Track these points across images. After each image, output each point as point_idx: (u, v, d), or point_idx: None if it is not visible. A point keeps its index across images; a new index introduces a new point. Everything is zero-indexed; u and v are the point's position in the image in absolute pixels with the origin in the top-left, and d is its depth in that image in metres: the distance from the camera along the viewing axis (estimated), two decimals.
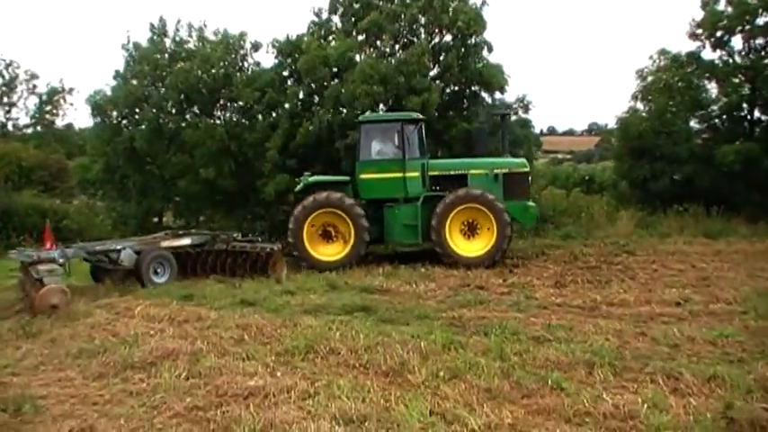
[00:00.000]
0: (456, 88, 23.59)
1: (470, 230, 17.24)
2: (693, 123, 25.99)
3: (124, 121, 25.61)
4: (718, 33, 24.63)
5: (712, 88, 25.57)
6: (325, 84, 22.50)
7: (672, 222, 22.24)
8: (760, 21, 23.92)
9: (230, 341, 9.68)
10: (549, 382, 7.32)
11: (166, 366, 8.37)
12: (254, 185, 23.66)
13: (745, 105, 24.71)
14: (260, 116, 24.81)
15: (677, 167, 24.10)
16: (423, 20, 23.05)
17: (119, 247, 15.44)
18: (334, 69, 22.39)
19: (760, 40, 24.43)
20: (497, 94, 23.86)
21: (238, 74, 25.17)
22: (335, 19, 24.62)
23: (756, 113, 24.88)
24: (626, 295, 12.43)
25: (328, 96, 21.89)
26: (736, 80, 24.69)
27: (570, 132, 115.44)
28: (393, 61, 22.05)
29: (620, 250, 18.55)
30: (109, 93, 25.47)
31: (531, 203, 18.12)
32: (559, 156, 78.17)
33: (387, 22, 22.95)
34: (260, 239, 17.86)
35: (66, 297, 12.73)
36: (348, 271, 16.36)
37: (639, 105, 26.76)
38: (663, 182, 24.23)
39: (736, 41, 24.85)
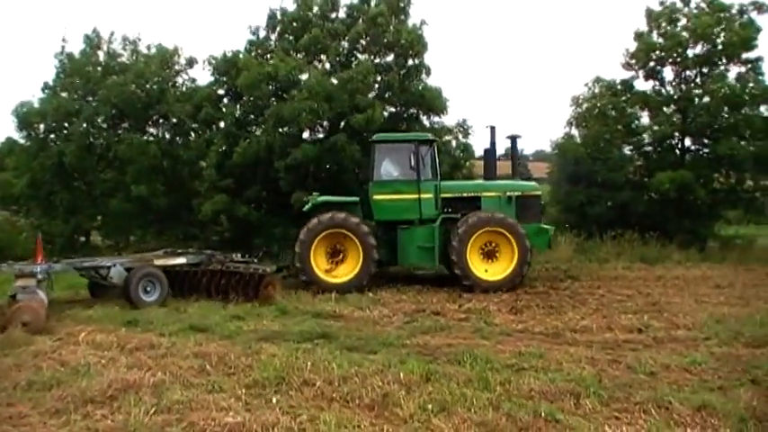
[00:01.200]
0: (394, 109, 23.45)
1: (488, 254, 16.93)
2: (627, 150, 26.49)
3: (52, 135, 24.68)
4: (651, 64, 25.25)
5: (644, 117, 26.18)
6: (265, 102, 22.07)
7: (609, 248, 22.50)
8: (690, 53, 24.60)
9: (191, 371, 9.12)
10: (543, 414, 7.11)
11: (130, 400, 7.79)
12: (188, 204, 23.06)
13: (676, 134, 25.25)
14: (194, 133, 24.28)
15: (613, 194, 24.45)
16: (364, 40, 22.91)
17: (108, 264, 15.05)
18: (272, 87, 22.01)
19: (690, 72, 25.09)
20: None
21: (172, 89, 24.57)
22: (274, 37, 24.32)
23: (687, 142, 25.51)
24: (585, 322, 12.37)
25: (269, 114, 21.46)
26: (668, 110, 25.26)
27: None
28: (336, 80, 21.80)
29: (564, 275, 18.69)
30: (36, 105, 24.54)
31: (546, 226, 18.00)
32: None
33: (328, 39, 22.79)
34: (255, 260, 17.31)
35: (38, 314, 12.23)
36: (295, 295, 15.86)
37: (575, 132, 27.16)
38: (599, 207, 24.59)
39: (668, 72, 25.59)
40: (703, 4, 24.64)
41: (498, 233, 16.71)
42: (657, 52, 24.87)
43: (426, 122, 23.57)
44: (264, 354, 9.91)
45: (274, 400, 7.81)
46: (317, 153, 20.90)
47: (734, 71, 24.51)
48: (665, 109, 25.21)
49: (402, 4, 23.13)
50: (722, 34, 23.88)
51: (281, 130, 21.84)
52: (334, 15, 23.87)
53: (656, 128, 25.23)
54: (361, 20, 22.88)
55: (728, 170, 24.44)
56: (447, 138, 23.60)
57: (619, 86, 26.03)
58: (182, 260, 16.21)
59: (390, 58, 23.06)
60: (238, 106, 23.20)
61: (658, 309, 13.76)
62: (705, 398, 7.56)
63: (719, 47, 24.00)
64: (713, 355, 9.73)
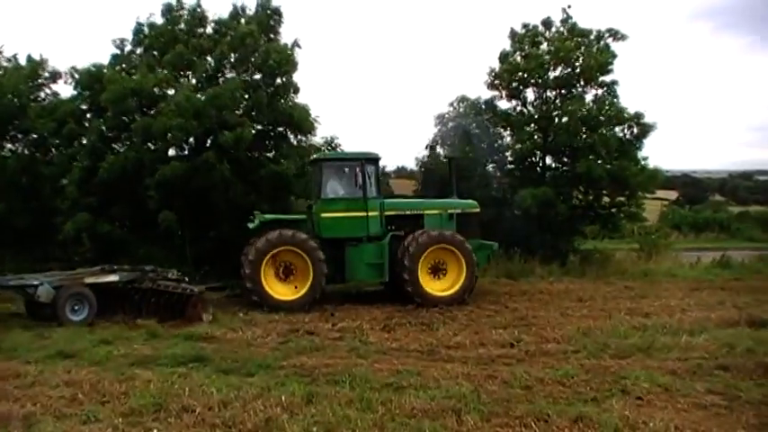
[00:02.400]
0: (260, 127, 23.21)
1: (435, 271, 17.47)
2: (490, 168, 27.29)
3: None
4: (514, 84, 26.04)
5: (507, 136, 27.02)
6: (131, 117, 21.42)
7: None
8: (551, 75, 25.58)
9: (63, 401, 8.76)
10: None
11: None
12: (49, 223, 22.14)
13: (537, 152, 26.18)
14: (56, 149, 23.33)
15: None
16: (232, 57, 22.66)
17: (36, 282, 14.59)
18: (136, 102, 21.37)
19: (551, 93, 26.08)
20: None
21: (33, 104, 23.53)
22: (139, 51, 23.70)
23: (548, 160, 26.48)
24: (458, 338, 12.74)
25: (136, 129, 20.85)
26: (529, 129, 26.13)
27: None
28: (203, 96, 21.42)
29: None
30: None
31: (489, 243, 18.84)
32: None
33: (194, 56, 22.43)
34: (186, 279, 16.96)
35: None
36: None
37: (439, 150, 27.68)
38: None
39: (530, 93, 26.48)
40: (564, 29, 25.74)
41: (446, 250, 17.40)
42: (521, 73, 25.68)
43: (294, 141, 23.53)
44: (139, 380, 9.68)
45: (154, 429, 7.62)
46: (185, 171, 20.42)
47: (591, 93, 25.77)
48: (526, 128, 26.02)
49: (272, 23, 23.12)
50: (581, 58, 24.99)
51: (148, 145, 21.32)
52: (201, 31, 23.51)
53: (518, 146, 26.11)
54: (228, 36, 22.61)
55: (587, 187, 25.50)
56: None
57: (483, 105, 26.77)
58: (114, 278, 15.82)
59: (258, 76, 22.88)
60: (102, 121, 22.40)
61: (526, 323, 14.31)
62: (581, 409, 7.95)
63: (578, 70, 25.10)
64: (583, 368, 10.24)
